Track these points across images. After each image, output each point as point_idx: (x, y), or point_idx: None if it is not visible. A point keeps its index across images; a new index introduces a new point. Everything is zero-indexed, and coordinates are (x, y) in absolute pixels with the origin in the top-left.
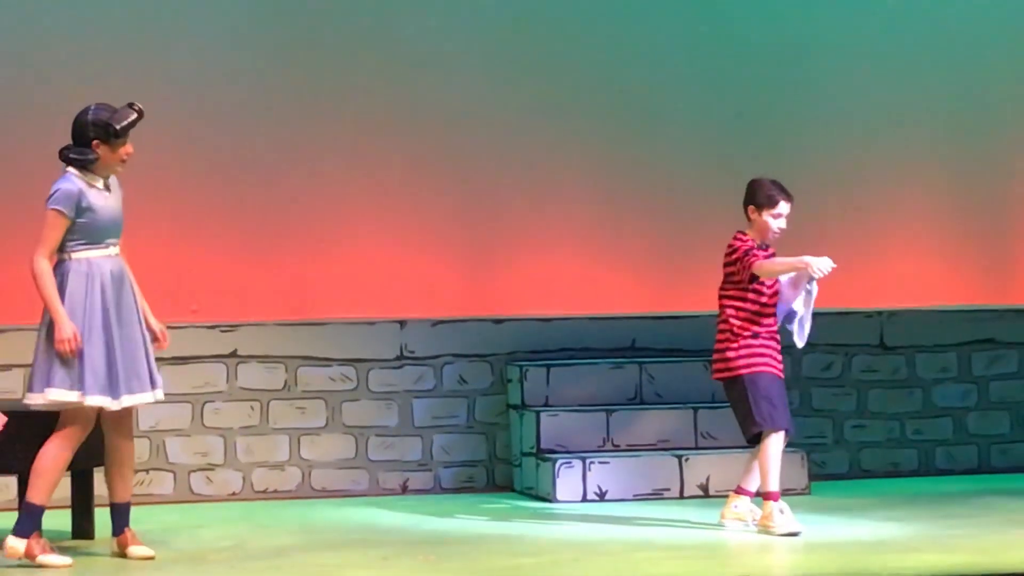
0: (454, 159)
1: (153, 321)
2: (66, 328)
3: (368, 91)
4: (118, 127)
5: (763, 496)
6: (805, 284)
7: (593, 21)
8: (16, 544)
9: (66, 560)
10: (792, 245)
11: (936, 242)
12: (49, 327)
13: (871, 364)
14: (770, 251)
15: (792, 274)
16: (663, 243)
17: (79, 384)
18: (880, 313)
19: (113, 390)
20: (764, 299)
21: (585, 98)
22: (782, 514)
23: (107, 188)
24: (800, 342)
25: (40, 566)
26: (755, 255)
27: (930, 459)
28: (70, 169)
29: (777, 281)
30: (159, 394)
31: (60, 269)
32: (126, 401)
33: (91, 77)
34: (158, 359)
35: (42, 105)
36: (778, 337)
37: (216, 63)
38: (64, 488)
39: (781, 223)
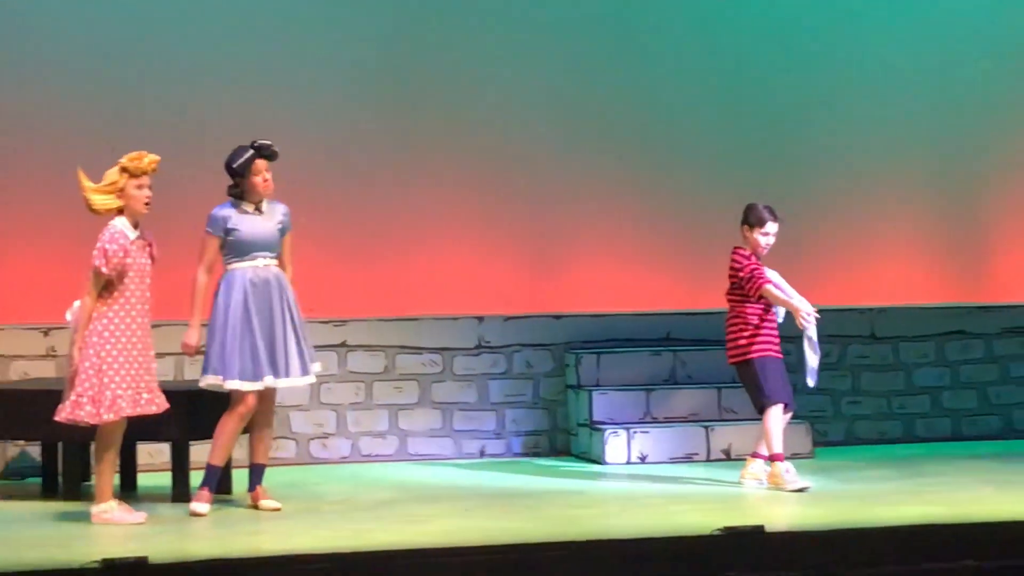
0: (524, 184)
1: None
2: (190, 337)
3: (456, 124)
4: (234, 167)
5: (771, 458)
6: (806, 336)
7: (638, 63)
8: (195, 492)
9: (204, 509)
10: (802, 252)
11: (919, 250)
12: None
13: (863, 352)
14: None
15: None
16: (694, 251)
17: (220, 371)
18: (871, 310)
19: (243, 374)
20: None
21: (630, 133)
22: (788, 473)
23: (259, 211)
24: (811, 383)
25: (191, 512)
26: (763, 278)
27: (912, 429)
28: (230, 198)
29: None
30: (294, 381)
31: (220, 279)
32: (257, 386)
33: (222, 109)
34: None
35: (199, 143)
36: (776, 323)
37: (332, 99)
38: (205, 454)
39: (770, 240)
